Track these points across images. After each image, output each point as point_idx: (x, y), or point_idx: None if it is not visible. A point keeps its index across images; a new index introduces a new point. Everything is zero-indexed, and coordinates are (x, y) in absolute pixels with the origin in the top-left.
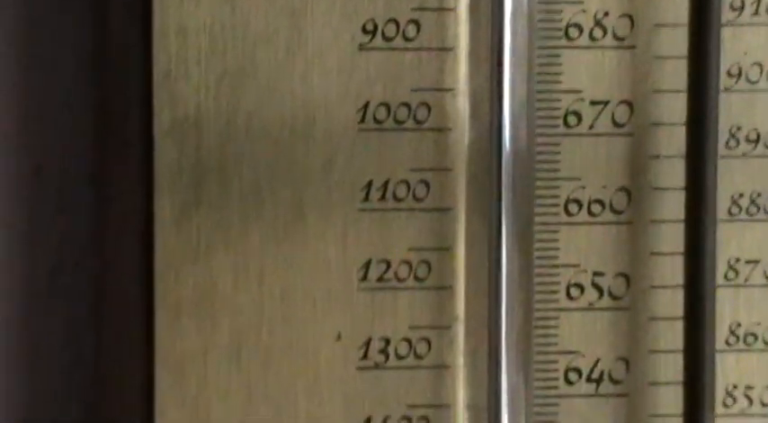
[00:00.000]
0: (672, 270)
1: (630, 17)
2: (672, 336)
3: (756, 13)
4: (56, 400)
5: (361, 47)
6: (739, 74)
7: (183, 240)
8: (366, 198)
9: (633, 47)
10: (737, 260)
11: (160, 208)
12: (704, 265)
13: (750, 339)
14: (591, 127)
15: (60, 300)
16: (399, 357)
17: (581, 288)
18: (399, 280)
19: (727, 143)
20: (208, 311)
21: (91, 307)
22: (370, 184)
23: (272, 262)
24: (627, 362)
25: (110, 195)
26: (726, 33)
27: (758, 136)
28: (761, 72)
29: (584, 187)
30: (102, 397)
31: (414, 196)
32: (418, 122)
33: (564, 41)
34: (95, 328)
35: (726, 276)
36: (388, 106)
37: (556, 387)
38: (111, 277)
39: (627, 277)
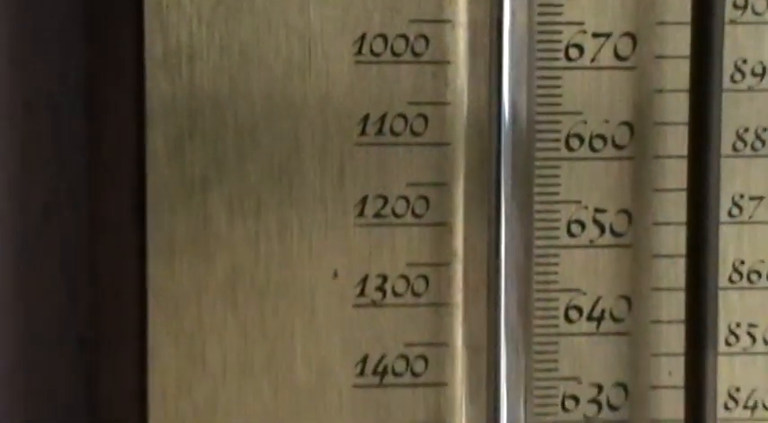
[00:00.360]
0: (675, 206)
1: None
2: (674, 273)
3: None
4: (51, 338)
5: None
6: (745, 5)
7: (176, 175)
8: (363, 132)
9: None
10: (742, 196)
11: (152, 141)
12: (708, 201)
13: (754, 277)
14: (593, 60)
15: (54, 235)
16: (397, 295)
17: (582, 225)
18: (397, 216)
19: (732, 77)
20: (202, 248)
21: (85, 242)
22: (366, 117)
23: (267, 198)
24: (629, 300)
25: (103, 129)
26: None
27: (764, 69)
28: (767, 4)
29: (585, 122)
30: (97, 334)
31: (411, 131)
32: (416, 55)
33: None
34: (89, 263)
35: (730, 213)
36: (385, 38)
37: (556, 326)
38: (105, 213)
39: (629, 214)
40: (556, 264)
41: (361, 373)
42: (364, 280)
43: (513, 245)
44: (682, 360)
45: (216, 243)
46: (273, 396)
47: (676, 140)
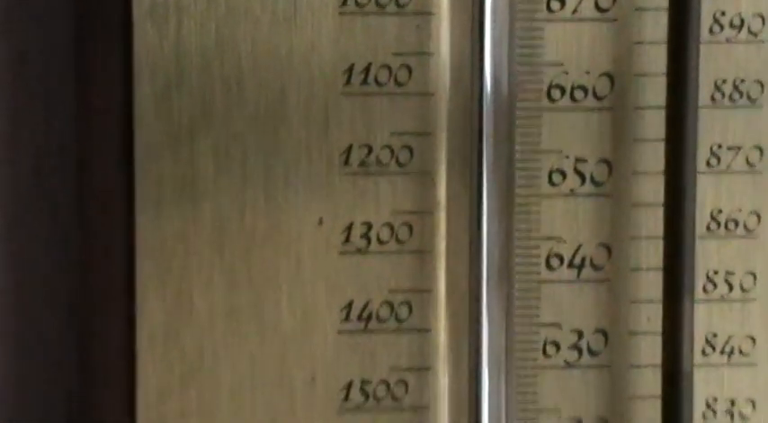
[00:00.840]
0: (654, 156)
1: None
2: (653, 222)
3: None
4: (41, 286)
5: None
6: None
7: (164, 124)
8: (348, 82)
9: None
10: (719, 146)
11: (140, 92)
12: (686, 151)
13: (731, 225)
14: (574, 11)
15: (44, 185)
16: (381, 242)
17: (563, 174)
18: (381, 165)
19: (710, 29)
20: (189, 196)
21: (74, 191)
22: (351, 68)
23: (253, 146)
24: (608, 248)
25: (91, 80)
26: None
27: (742, 21)
28: None
29: (566, 73)
30: (86, 284)
31: (395, 81)
32: (400, 6)
33: None
34: (78, 211)
35: (708, 163)
36: None
37: (538, 273)
38: (94, 161)
39: (609, 164)
40: (537, 212)
41: (346, 318)
42: (349, 228)
43: (495, 194)
44: (660, 307)
45: (203, 191)
46: (260, 342)
47: (656, 92)
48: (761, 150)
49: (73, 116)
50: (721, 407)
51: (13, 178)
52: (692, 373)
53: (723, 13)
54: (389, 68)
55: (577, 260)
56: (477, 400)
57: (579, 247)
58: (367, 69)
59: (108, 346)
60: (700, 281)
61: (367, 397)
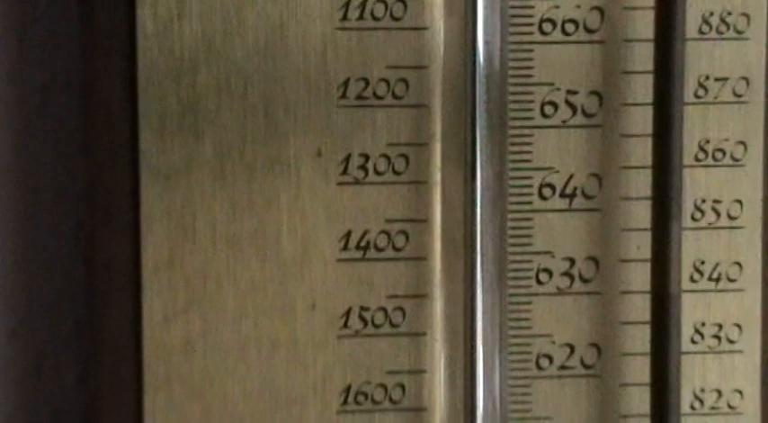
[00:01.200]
0: (643, 88)
1: None
2: (642, 152)
3: None
4: (47, 210)
5: None
6: None
7: (166, 53)
8: (344, 17)
9: None
10: (707, 78)
11: (142, 23)
12: (673, 81)
13: (719, 155)
14: None
15: (50, 117)
16: (378, 173)
17: (555, 106)
18: (378, 97)
19: None
20: (191, 126)
21: (79, 123)
22: (348, 3)
23: (254, 75)
24: (599, 177)
25: (95, 11)
26: None
27: None
28: None
29: (558, 6)
30: (91, 210)
31: (391, 15)
32: None
33: None
34: (83, 142)
35: (696, 94)
36: None
37: (530, 202)
38: (99, 92)
39: (599, 95)
40: (530, 143)
41: (345, 247)
42: (347, 159)
43: (489, 125)
44: (649, 235)
45: (205, 120)
46: (261, 269)
47: (645, 24)
48: (747, 81)
49: (78, 46)
50: (709, 331)
51: (21, 108)
52: (680, 297)
53: None
54: (385, 3)
55: (569, 189)
56: (472, 326)
57: (571, 176)
58: (363, 4)
59: (114, 273)
60: (688, 209)
61: (365, 323)
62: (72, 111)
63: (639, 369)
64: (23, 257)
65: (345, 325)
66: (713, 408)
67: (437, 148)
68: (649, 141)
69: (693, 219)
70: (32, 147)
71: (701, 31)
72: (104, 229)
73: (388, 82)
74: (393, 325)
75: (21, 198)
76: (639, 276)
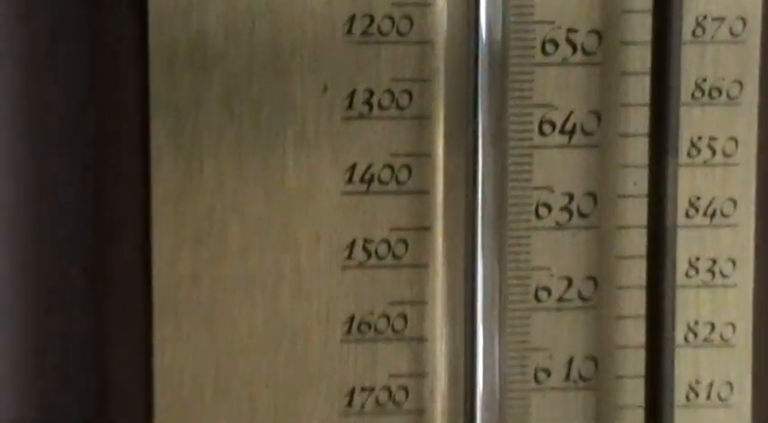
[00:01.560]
0: (642, 27)
1: None
2: (641, 89)
3: None
4: (57, 151)
5: None
6: None
7: None
8: None
9: None
10: (705, 17)
11: None
12: (671, 20)
13: (715, 93)
14: None
15: (60, 57)
16: (382, 108)
17: (555, 44)
18: (382, 34)
19: None
20: (200, 63)
21: (88, 64)
22: None
23: (262, 13)
24: (598, 114)
25: None
26: None
27: None
28: None
29: None
30: (101, 147)
31: None
32: None
33: None
34: (92, 85)
35: (693, 33)
36: None
37: (530, 138)
38: (108, 34)
39: (599, 34)
40: (530, 81)
41: (349, 180)
42: (352, 94)
43: (490, 63)
44: (646, 171)
45: (213, 58)
46: (267, 202)
47: None
48: (744, 21)
49: None
50: (703, 266)
51: (30, 59)
52: (675, 230)
53: None
54: None
55: (569, 126)
56: (472, 258)
57: (570, 113)
58: None
59: (123, 208)
60: (684, 146)
61: (369, 255)
62: (81, 53)
63: (635, 301)
64: (33, 194)
65: (349, 257)
66: (706, 340)
67: (440, 84)
68: (647, 79)
69: (689, 155)
70: (41, 89)
71: None
72: (113, 166)
73: (392, 18)
74: (396, 257)
75: (30, 139)
76: (636, 212)
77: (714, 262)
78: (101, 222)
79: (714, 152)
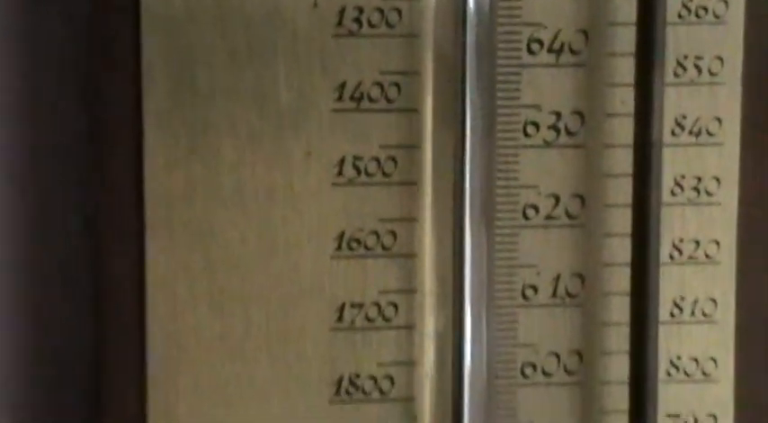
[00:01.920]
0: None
1: None
2: (628, 8)
3: None
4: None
5: None
6: None
7: None
8: None
9: None
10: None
11: None
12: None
13: (701, 12)
14: None
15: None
16: (372, 26)
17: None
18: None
19: None
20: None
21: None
22: None
23: None
24: (586, 33)
25: None
26: None
27: None
28: None
29: None
30: (94, 59)
31: None
32: None
33: None
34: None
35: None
36: None
37: (519, 58)
38: None
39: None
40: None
41: (340, 98)
42: (341, 12)
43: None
44: (633, 90)
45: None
46: (259, 117)
47: None
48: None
49: None
50: (689, 183)
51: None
52: (661, 146)
53: None
54: None
55: (557, 45)
56: (461, 174)
57: (558, 32)
58: None
59: (116, 121)
60: (670, 65)
61: (359, 172)
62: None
63: (621, 220)
64: (29, 109)
65: (339, 173)
66: (691, 257)
67: (431, 2)
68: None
69: (676, 75)
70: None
71: None
72: (105, 78)
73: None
74: (385, 174)
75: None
76: (623, 130)
77: (699, 180)
78: (94, 135)
79: (700, 71)
